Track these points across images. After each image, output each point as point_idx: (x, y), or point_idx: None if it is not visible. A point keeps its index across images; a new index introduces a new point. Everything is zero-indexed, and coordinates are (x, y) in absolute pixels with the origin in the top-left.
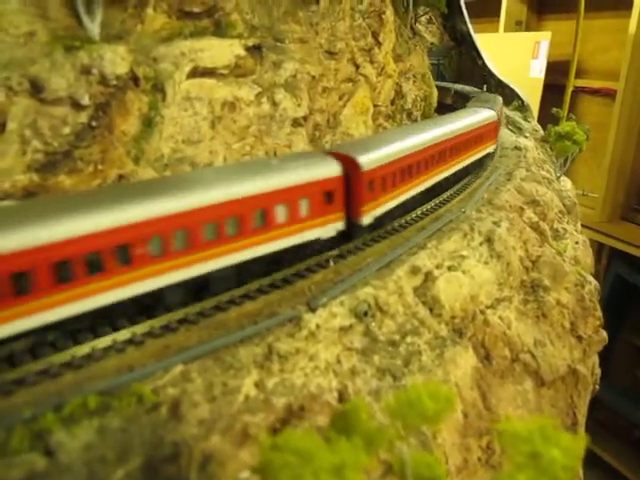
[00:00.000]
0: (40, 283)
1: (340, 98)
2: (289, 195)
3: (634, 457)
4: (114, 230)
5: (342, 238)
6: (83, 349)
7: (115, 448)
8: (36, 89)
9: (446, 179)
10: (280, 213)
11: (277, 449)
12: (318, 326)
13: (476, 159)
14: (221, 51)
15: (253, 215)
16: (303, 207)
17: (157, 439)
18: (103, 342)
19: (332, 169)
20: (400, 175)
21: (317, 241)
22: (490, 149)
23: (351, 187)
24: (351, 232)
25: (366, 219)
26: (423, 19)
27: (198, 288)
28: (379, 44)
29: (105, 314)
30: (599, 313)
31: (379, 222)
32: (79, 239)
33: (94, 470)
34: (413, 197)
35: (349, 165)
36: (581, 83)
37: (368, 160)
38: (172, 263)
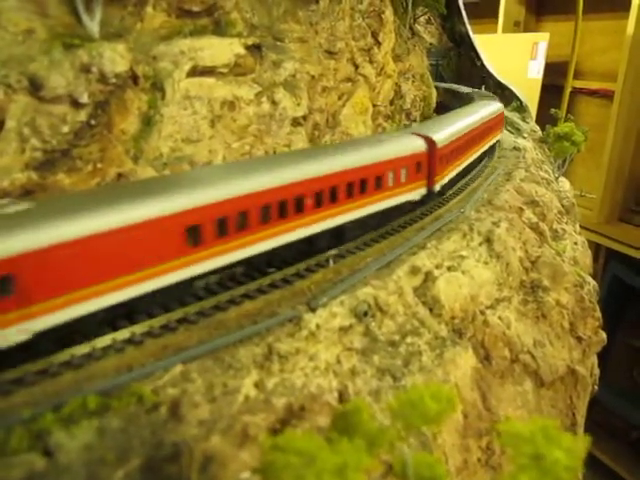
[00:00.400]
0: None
1: (339, 98)
2: (395, 164)
3: (631, 458)
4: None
5: (419, 202)
6: (82, 348)
7: (115, 449)
8: (35, 87)
9: (478, 158)
10: (389, 178)
11: (279, 450)
12: (318, 326)
13: (494, 142)
14: (221, 50)
15: (374, 179)
16: (403, 174)
17: (157, 439)
18: (102, 342)
19: (420, 145)
20: (455, 152)
21: (408, 203)
22: (500, 136)
23: (429, 161)
24: (426, 197)
25: (437, 187)
26: (422, 20)
27: (338, 235)
28: (379, 44)
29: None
30: (598, 314)
31: (442, 189)
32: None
33: (94, 471)
34: (461, 170)
35: (429, 143)
36: (579, 84)
37: (441, 139)
38: (324, 214)
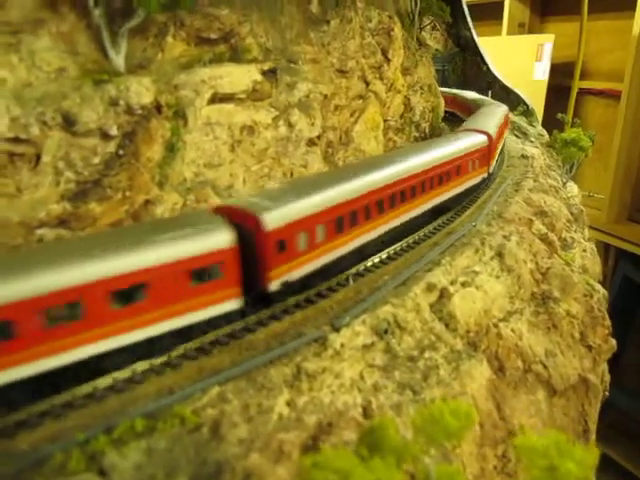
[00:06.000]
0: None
1: (351, 115)
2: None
3: None
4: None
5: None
6: (124, 373)
7: (163, 467)
8: (68, 123)
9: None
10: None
11: (317, 467)
12: (342, 345)
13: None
14: (239, 77)
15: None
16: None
17: (201, 458)
18: (142, 366)
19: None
20: None
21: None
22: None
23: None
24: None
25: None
26: (427, 26)
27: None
28: (388, 61)
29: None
30: (608, 322)
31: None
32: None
33: None
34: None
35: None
36: (585, 84)
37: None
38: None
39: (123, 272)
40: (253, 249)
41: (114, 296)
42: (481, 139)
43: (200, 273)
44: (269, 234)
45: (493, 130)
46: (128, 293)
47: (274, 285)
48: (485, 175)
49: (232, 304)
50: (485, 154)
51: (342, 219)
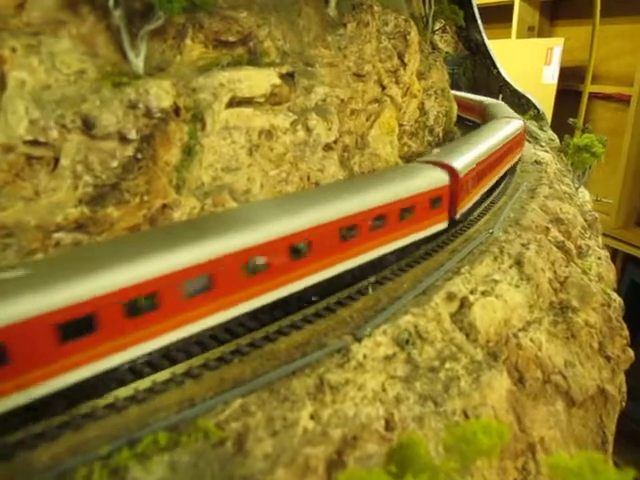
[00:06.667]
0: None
1: (367, 119)
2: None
3: None
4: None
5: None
6: (145, 383)
7: None
8: (87, 126)
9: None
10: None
11: None
12: (365, 356)
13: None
14: (258, 81)
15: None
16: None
17: (227, 474)
18: (162, 376)
19: None
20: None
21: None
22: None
23: None
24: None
25: None
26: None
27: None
28: (404, 65)
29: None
30: (626, 332)
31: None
32: None
33: None
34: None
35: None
36: (594, 88)
37: None
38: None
39: (407, 196)
40: (450, 189)
41: (402, 211)
42: (519, 124)
43: (433, 201)
44: (461, 180)
45: (522, 118)
46: (406, 210)
47: (458, 215)
48: (520, 155)
49: (443, 225)
50: (523, 137)
51: (480, 173)
